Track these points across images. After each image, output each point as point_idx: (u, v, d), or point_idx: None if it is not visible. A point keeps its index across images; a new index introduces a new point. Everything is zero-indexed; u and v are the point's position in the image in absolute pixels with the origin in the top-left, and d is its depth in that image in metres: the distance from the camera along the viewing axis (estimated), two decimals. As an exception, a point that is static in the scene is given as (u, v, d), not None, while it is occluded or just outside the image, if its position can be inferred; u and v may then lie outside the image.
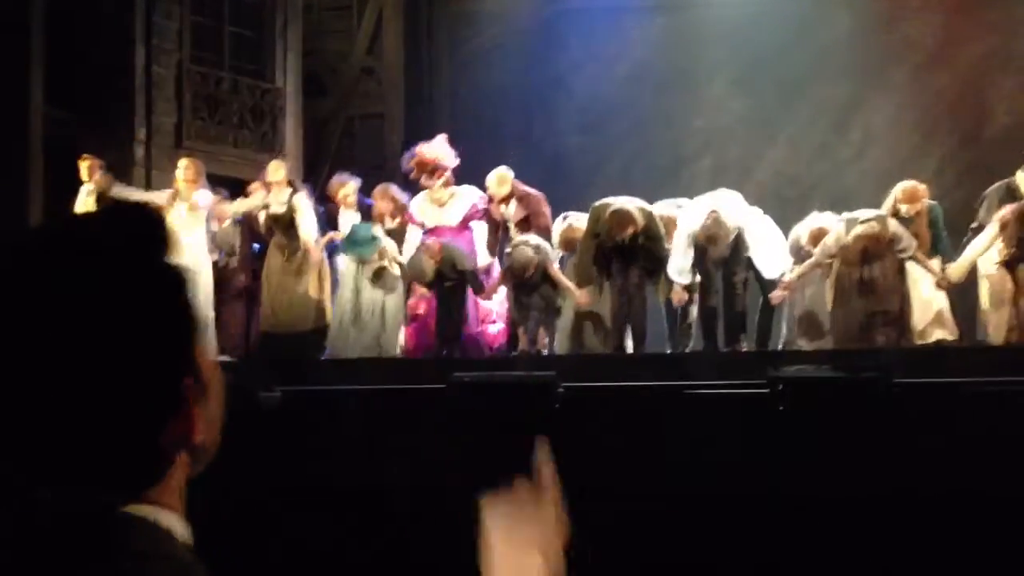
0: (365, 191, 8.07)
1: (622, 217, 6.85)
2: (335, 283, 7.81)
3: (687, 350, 7.26)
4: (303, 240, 7.64)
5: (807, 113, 8.68)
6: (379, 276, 7.59)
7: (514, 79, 10.22)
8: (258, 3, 10.70)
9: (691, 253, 6.88)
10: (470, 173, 7.88)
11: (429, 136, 8.04)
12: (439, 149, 7.86)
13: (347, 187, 8.06)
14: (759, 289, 7.08)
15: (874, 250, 6.62)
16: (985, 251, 6.64)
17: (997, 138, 8.03)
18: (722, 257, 6.90)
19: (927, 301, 6.96)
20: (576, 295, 7.03)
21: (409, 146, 8.15)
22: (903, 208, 6.93)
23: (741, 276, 6.95)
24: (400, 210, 7.85)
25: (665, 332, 7.38)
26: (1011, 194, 6.81)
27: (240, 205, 7.99)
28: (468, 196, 7.83)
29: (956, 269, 6.71)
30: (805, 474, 4.70)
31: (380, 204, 7.87)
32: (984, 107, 7.73)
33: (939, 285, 6.77)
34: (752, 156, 9.16)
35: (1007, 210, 6.49)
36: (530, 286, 7.06)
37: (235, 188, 8.49)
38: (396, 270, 7.67)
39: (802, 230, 7.31)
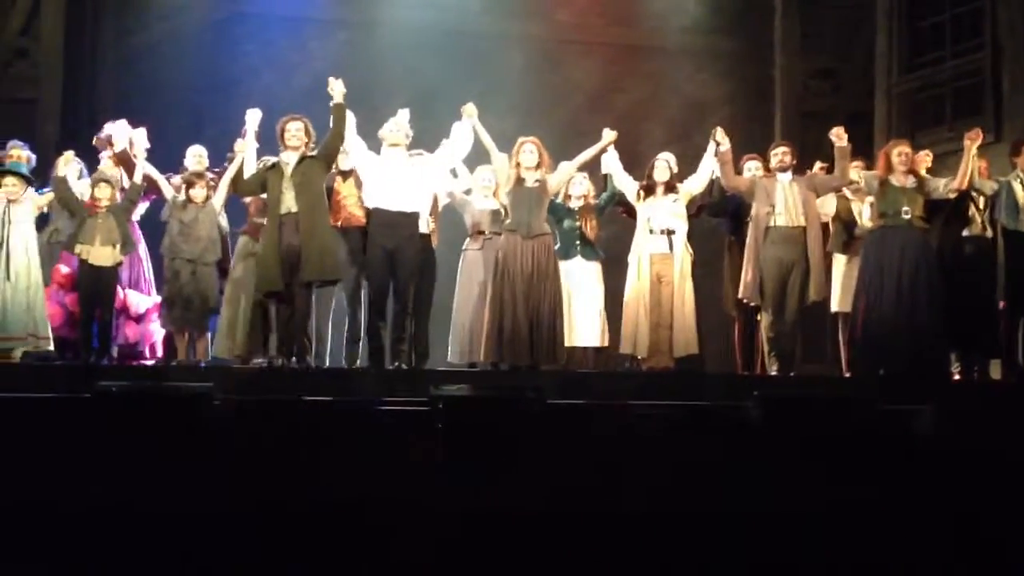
0: None
1: None
2: None
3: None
4: None
5: (476, 142, 8.96)
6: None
7: (185, 77, 9.81)
8: None
9: None
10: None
11: (89, 128, 7.56)
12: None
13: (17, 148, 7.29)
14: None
15: None
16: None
17: (648, 183, 8.59)
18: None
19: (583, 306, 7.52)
20: None
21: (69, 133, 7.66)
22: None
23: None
24: None
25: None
26: None
27: None
28: None
29: None
30: (465, 487, 4.84)
31: None
32: (636, 151, 8.30)
33: None
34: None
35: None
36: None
37: None
38: None
39: None
